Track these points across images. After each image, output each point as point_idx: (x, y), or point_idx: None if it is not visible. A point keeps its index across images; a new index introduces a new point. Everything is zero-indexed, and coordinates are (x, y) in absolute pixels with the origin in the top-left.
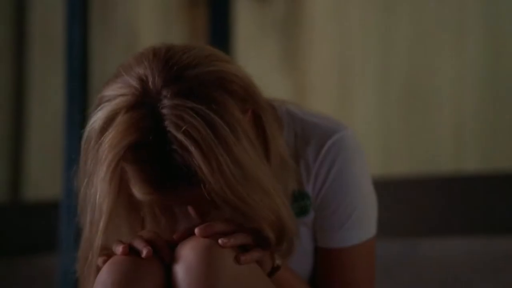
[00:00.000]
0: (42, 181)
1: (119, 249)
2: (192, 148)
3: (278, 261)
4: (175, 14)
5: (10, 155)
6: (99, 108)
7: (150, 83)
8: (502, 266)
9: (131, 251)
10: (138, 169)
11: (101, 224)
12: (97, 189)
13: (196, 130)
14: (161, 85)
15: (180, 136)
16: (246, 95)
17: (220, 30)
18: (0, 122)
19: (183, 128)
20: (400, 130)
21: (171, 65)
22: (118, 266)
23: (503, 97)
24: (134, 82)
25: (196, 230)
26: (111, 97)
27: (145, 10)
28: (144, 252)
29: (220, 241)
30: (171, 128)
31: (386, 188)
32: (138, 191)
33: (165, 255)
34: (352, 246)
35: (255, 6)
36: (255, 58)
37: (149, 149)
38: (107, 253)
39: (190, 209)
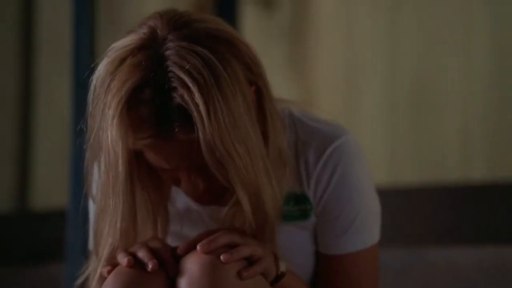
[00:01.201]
0: (49, 190)
1: (124, 260)
2: (192, 87)
3: (282, 269)
4: None
5: (17, 164)
6: (107, 56)
7: (158, 29)
8: (510, 274)
9: (136, 262)
10: (139, 112)
11: (120, 166)
12: (108, 133)
13: (198, 71)
14: (168, 31)
15: (181, 75)
16: (252, 64)
17: None
18: (7, 131)
19: (186, 67)
20: (407, 137)
21: (180, 16)
22: (122, 278)
23: (510, 102)
24: (143, 30)
25: (198, 247)
26: (119, 45)
27: None
28: (150, 266)
29: (222, 257)
30: (173, 68)
31: (392, 196)
32: (135, 138)
33: (170, 268)
34: (355, 252)
35: (262, 13)
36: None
37: (150, 89)
38: (112, 263)
39: (182, 185)
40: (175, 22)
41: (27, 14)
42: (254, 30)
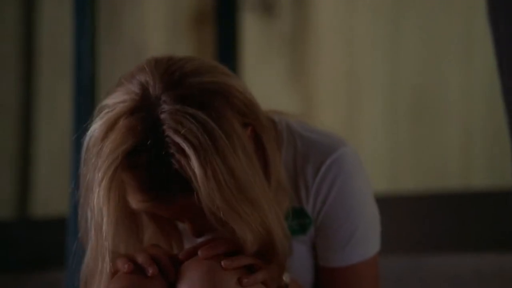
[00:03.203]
0: (50, 198)
1: (123, 266)
2: (189, 152)
3: (286, 280)
4: (183, 30)
5: (18, 171)
6: (100, 116)
7: (150, 88)
8: (509, 282)
9: (136, 267)
10: (135, 176)
11: (104, 228)
12: (95, 195)
13: (194, 135)
14: (161, 91)
15: (178, 140)
16: (247, 110)
17: (227, 46)
18: (8, 139)
19: (182, 132)
20: (408, 145)
21: (173, 71)
22: (122, 283)
23: None
24: (135, 88)
25: (199, 252)
26: (112, 105)
27: (153, 27)
28: (150, 271)
29: (222, 263)
30: (169, 132)
31: (393, 203)
32: (134, 199)
33: (169, 274)
34: (356, 264)
35: (262, 21)
36: (263, 73)
37: (146, 154)
38: (112, 269)
39: (187, 228)
40: (168, 78)
41: (27, 19)
42: (254, 37)
